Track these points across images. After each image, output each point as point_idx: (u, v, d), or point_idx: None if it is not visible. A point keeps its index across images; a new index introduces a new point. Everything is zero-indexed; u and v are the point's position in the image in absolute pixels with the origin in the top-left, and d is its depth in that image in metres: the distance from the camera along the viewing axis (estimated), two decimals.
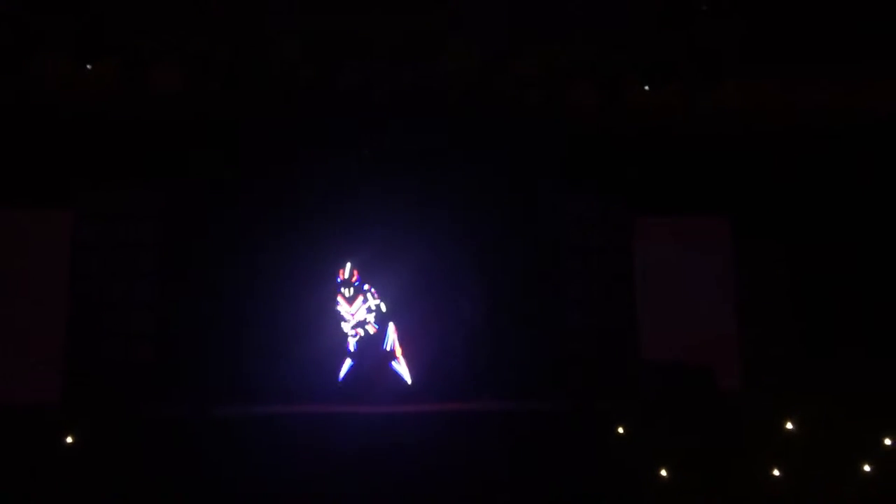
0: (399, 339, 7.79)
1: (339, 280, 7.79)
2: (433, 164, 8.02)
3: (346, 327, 7.73)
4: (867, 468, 6.12)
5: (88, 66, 6.99)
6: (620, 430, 6.67)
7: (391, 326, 7.74)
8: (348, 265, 7.78)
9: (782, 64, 7.54)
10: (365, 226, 7.86)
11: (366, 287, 7.78)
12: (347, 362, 7.64)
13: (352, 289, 7.76)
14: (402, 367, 7.69)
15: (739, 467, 6.18)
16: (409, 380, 7.68)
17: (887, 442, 6.36)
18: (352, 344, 7.69)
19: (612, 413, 6.84)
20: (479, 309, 8.12)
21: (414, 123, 7.79)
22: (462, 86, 7.53)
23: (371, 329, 7.72)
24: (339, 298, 7.74)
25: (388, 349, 7.70)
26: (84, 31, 6.71)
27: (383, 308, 7.77)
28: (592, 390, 7.77)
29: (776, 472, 6.17)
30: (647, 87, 7.63)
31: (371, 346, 7.68)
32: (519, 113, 7.84)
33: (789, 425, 6.63)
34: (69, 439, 6.13)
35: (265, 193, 7.98)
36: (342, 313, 7.74)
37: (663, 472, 6.20)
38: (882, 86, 8.01)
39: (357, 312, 7.73)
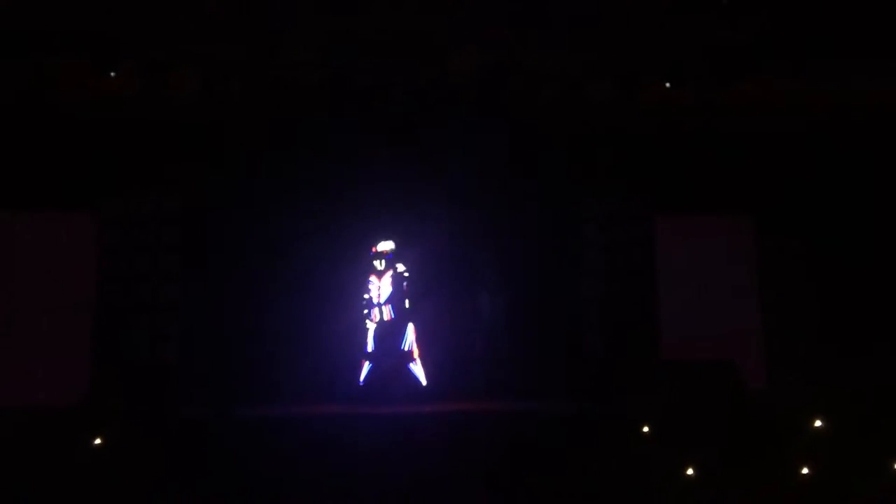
0: (417, 339, 7.74)
1: (371, 252, 7.72)
2: (452, 162, 8.01)
3: (374, 288, 7.62)
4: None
5: (112, 74, 7.08)
6: (644, 428, 6.60)
7: (410, 327, 7.71)
8: (384, 242, 7.71)
9: (803, 60, 7.45)
10: (385, 224, 7.85)
11: (399, 267, 7.70)
12: (366, 365, 7.61)
13: (383, 261, 7.70)
14: (418, 369, 7.66)
15: (765, 464, 6.09)
16: (424, 381, 7.63)
17: None
18: (370, 343, 7.65)
19: (633, 411, 6.78)
20: (498, 305, 8.12)
21: (432, 122, 7.81)
22: (478, 84, 7.53)
23: (387, 314, 7.63)
24: (372, 277, 7.70)
25: (406, 349, 7.65)
26: (104, 37, 6.80)
27: (407, 304, 7.73)
28: (613, 388, 7.72)
29: (803, 470, 6.07)
30: (667, 85, 7.57)
31: (390, 345, 7.61)
32: (537, 111, 7.82)
33: (816, 422, 6.54)
34: (96, 441, 6.18)
35: (283, 194, 8.03)
36: (370, 289, 7.67)
37: (688, 471, 6.11)
38: None
39: (384, 287, 7.69)
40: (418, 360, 7.65)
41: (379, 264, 7.65)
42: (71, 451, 6.04)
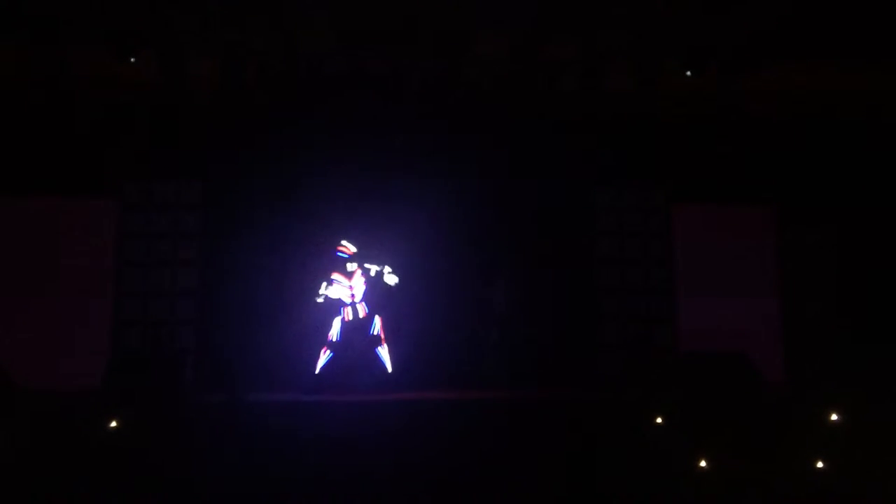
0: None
1: (337, 252, 7.72)
2: (466, 153, 7.96)
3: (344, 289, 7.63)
4: None
5: (132, 60, 7.15)
6: (658, 419, 6.55)
7: (377, 318, 7.70)
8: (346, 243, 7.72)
9: (826, 49, 7.29)
10: (399, 219, 7.86)
11: (374, 267, 7.73)
12: (325, 355, 7.58)
13: (352, 263, 7.71)
14: (384, 353, 7.63)
15: (781, 458, 6.02)
16: (389, 367, 7.61)
17: None
18: (335, 334, 7.65)
19: (648, 402, 6.74)
20: (511, 294, 8.09)
21: (446, 112, 7.77)
22: (494, 72, 7.48)
23: (362, 311, 7.66)
24: (337, 276, 7.70)
25: (374, 334, 7.66)
26: (122, 25, 6.86)
27: (391, 280, 7.71)
28: (628, 378, 7.67)
29: (819, 464, 5.99)
30: (687, 73, 7.46)
31: (357, 336, 7.64)
32: (554, 98, 7.74)
33: (833, 416, 6.44)
34: (112, 424, 6.27)
35: (298, 183, 8.04)
36: (340, 288, 7.67)
37: (701, 463, 6.06)
38: None
39: (357, 287, 7.71)
40: (385, 345, 7.64)
41: (350, 265, 7.69)
42: (88, 434, 6.14)
